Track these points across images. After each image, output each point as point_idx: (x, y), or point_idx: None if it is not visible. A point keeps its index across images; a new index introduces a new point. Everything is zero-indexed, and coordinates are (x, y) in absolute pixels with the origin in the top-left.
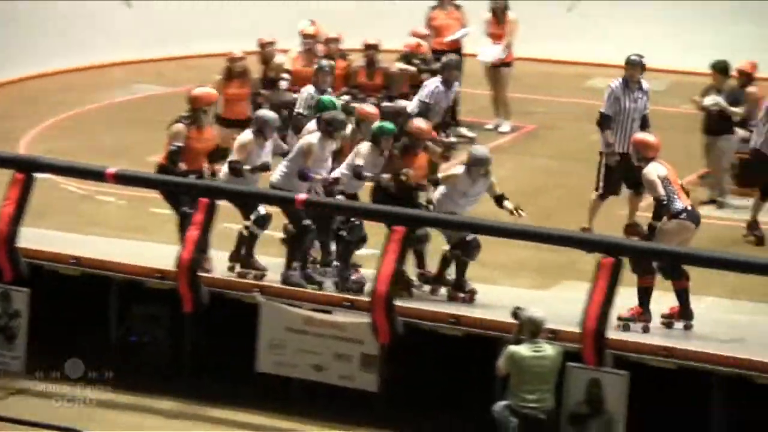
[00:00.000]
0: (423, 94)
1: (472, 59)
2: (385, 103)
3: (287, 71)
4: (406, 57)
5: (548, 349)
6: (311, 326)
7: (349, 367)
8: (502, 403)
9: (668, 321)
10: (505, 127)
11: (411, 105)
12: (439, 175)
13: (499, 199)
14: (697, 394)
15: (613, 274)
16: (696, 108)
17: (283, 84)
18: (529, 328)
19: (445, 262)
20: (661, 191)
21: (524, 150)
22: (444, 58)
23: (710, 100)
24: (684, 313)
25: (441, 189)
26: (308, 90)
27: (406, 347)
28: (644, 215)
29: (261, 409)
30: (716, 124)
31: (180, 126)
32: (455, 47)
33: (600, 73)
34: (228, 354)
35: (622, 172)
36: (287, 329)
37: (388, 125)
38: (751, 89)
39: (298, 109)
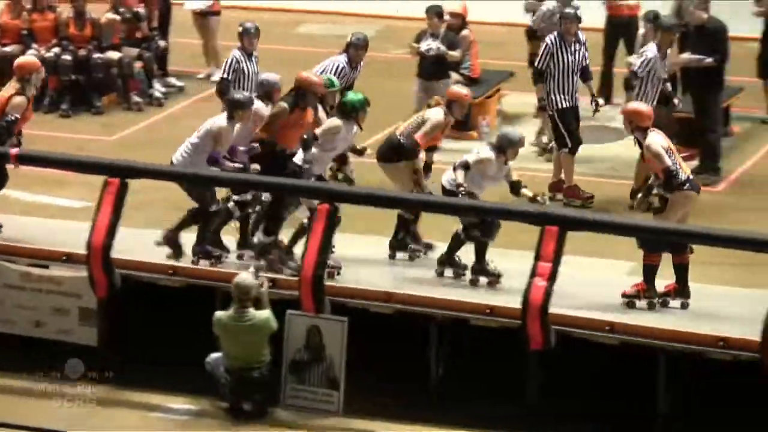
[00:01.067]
0: (327, 71)
1: (180, 8)
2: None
3: None
4: (116, 8)
5: (255, 316)
6: (29, 282)
7: (67, 322)
8: (215, 355)
9: (664, 299)
10: (217, 75)
11: None
12: (470, 159)
13: (515, 186)
14: (417, 337)
15: (328, 220)
16: (412, 53)
17: None
18: (236, 294)
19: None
20: (669, 162)
21: None
22: (352, 37)
23: (427, 44)
24: (682, 291)
25: (461, 172)
26: (234, 54)
27: (127, 300)
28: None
29: None
30: (434, 68)
31: (23, 99)
32: None
33: (310, 19)
34: None
35: (577, 123)
36: (4, 285)
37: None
38: (465, 33)
39: (223, 74)
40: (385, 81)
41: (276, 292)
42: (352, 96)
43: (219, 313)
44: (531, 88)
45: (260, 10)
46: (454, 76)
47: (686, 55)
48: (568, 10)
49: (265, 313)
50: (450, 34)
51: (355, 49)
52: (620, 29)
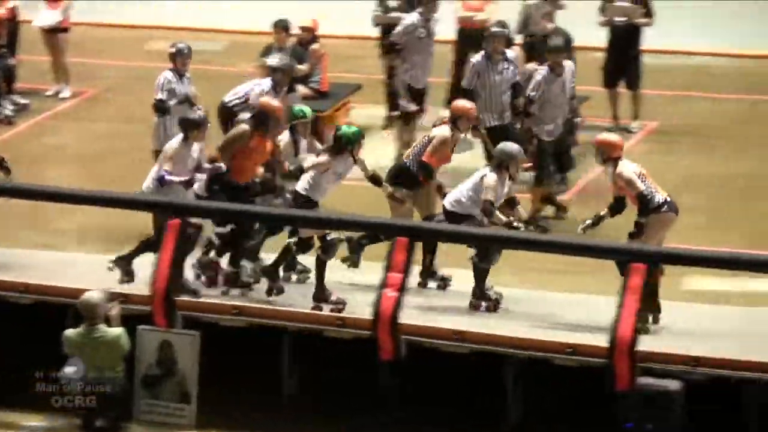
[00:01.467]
0: (252, 95)
1: (28, 25)
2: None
3: None
4: None
5: (106, 333)
6: None
7: None
8: (69, 369)
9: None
10: (66, 92)
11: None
12: (489, 196)
13: (510, 202)
14: (271, 350)
15: (179, 234)
16: (260, 68)
17: None
18: (83, 312)
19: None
20: (642, 187)
21: (86, 115)
22: (278, 62)
23: (275, 59)
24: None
25: (468, 194)
26: (165, 75)
27: None
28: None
29: None
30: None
31: None
32: (11, 17)
33: (158, 35)
34: None
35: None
36: None
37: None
38: (315, 46)
39: (158, 94)
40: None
41: (128, 308)
42: (346, 130)
43: (68, 331)
44: (379, 101)
45: (109, 26)
46: (302, 89)
47: (532, 65)
48: (495, 29)
49: (117, 331)
50: (297, 48)
51: (281, 74)
52: (471, 41)
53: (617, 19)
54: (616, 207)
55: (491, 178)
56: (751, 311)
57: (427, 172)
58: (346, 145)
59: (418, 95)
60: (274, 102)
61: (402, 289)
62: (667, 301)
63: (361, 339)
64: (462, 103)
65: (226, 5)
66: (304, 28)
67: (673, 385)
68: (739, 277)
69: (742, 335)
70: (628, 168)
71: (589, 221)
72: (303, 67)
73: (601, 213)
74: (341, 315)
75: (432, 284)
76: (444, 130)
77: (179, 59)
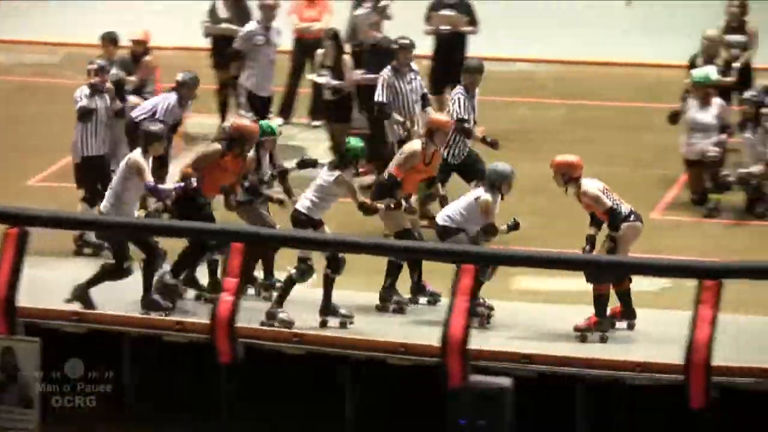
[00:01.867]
0: (158, 111)
1: None
2: None
3: None
4: None
5: None
6: None
7: None
8: None
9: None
10: None
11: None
12: (492, 220)
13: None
14: (108, 354)
15: (19, 243)
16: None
17: None
18: None
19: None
20: (609, 203)
21: None
22: (184, 76)
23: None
24: (627, 312)
25: (461, 212)
26: (81, 89)
27: None
28: None
29: None
30: (117, 92)
31: None
32: None
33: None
34: None
35: None
36: None
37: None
38: (147, 58)
39: (79, 104)
40: (69, 107)
41: None
42: (354, 143)
43: None
44: (212, 110)
45: None
46: (135, 100)
47: (359, 73)
48: (403, 40)
49: None
50: (126, 60)
51: (187, 89)
52: (308, 50)
53: (442, 27)
54: (596, 222)
55: (488, 199)
56: (581, 309)
57: (391, 183)
58: (353, 159)
59: (263, 104)
60: (250, 123)
61: (238, 293)
62: (500, 301)
63: (200, 343)
64: (439, 117)
65: (65, 18)
66: (135, 41)
67: (505, 382)
68: (568, 276)
69: (573, 333)
70: (591, 186)
71: (587, 246)
72: (132, 79)
73: (590, 233)
74: (179, 319)
75: (422, 300)
76: (414, 144)
77: (100, 75)
